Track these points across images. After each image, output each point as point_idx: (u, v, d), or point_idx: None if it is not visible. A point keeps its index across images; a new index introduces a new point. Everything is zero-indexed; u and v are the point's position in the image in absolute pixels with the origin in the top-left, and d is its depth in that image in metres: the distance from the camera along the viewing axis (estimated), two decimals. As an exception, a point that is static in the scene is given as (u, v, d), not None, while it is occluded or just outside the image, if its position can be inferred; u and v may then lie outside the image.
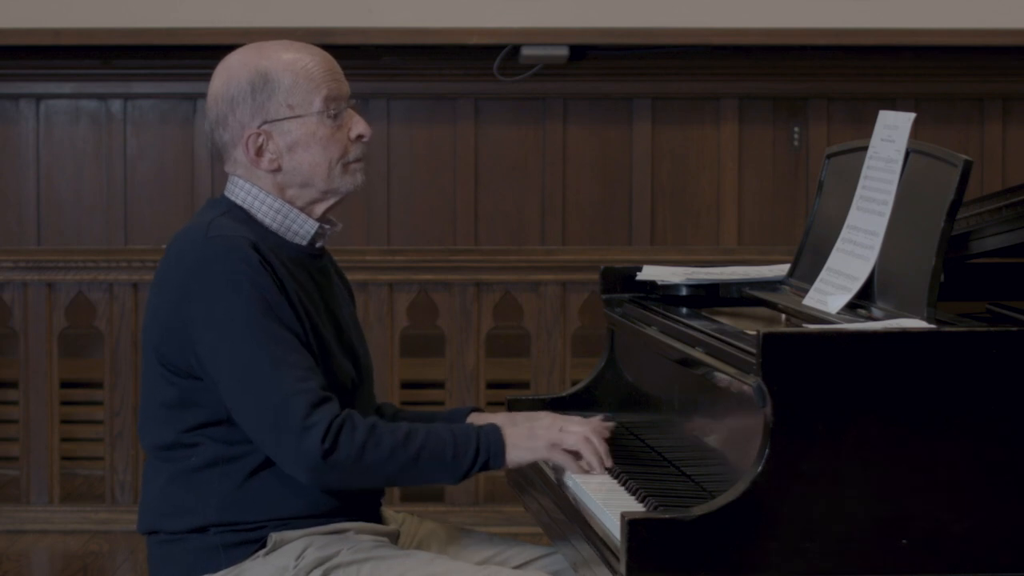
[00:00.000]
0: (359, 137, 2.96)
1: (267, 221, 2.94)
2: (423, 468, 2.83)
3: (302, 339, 2.84)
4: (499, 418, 3.05)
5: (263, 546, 2.87)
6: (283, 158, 2.93)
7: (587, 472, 2.88)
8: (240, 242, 2.84)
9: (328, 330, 2.93)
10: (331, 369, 2.88)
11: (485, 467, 2.86)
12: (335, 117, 2.93)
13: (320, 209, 2.98)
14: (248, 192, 2.95)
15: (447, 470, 2.84)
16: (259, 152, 2.92)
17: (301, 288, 2.89)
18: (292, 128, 2.92)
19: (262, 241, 2.88)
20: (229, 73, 2.93)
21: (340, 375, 2.91)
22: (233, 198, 2.96)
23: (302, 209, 2.96)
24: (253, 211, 2.94)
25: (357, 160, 2.97)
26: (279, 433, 2.77)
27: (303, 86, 2.91)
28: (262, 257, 2.84)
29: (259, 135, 2.91)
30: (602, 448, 2.90)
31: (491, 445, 2.86)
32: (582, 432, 2.90)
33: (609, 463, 2.89)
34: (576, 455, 2.90)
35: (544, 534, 3.11)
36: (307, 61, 2.93)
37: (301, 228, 2.96)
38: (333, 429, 2.76)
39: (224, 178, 3.02)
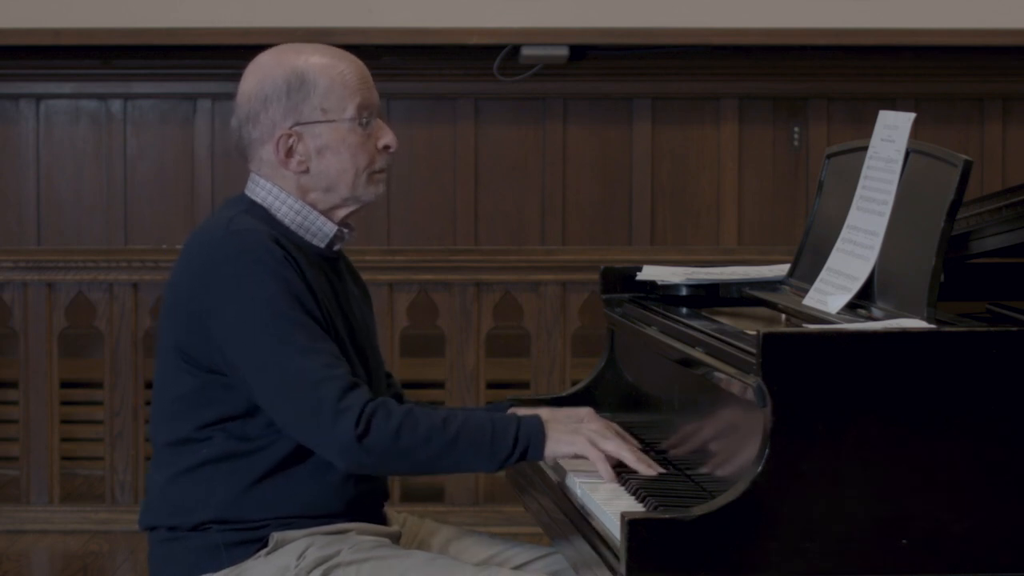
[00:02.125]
0: (386, 148, 2.98)
1: (286, 221, 2.95)
2: (460, 453, 2.80)
3: (326, 328, 2.84)
4: (542, 413, 3.05)
5: (264, 545, 2.87)
6: (311, 161, 2.94)
7: (615, 477, 2.84)
8: (262, 236, 2.85)
9: (343, 333, 2.93)
10: None
11: (523, 456, 2.83)
12: (366, 125, 2.95)
13: (340, 214, 2.99)
14: (269, 192, 2.95)
15: (485, 456, 2.81)
16: (288, 153, 2.93)
17: (319, 288, 2.90)
18: (323, 132, 2.93)
19: (282, 238, 2.88)
20: (264, 72, 2.94)
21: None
22: (253, 196, 2.97)
23: (322, 212, 2.97)
24: (273, 210, 2.95)
25: (382, 171, 2.99)
26: (312, 419, 2.76)
27: (338, 91, 2.92)
28: (285, 251, 2.84)
29: (290, 135, 2.92)
30: (644, 457, 2.86)
31: (532, 435, 2.82)
32: (623, 442, 2.87)
33: (659, 470, 2.85)
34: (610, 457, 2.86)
35: (544, 534, 3.11)
36: (343, 67, 2.94)
37: (320, 230, 2.96)
38: (367, 412, 2.76)
39: (230, 178, 3.02)
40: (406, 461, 2.81)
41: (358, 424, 2.75)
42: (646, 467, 2.83)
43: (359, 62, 2.99)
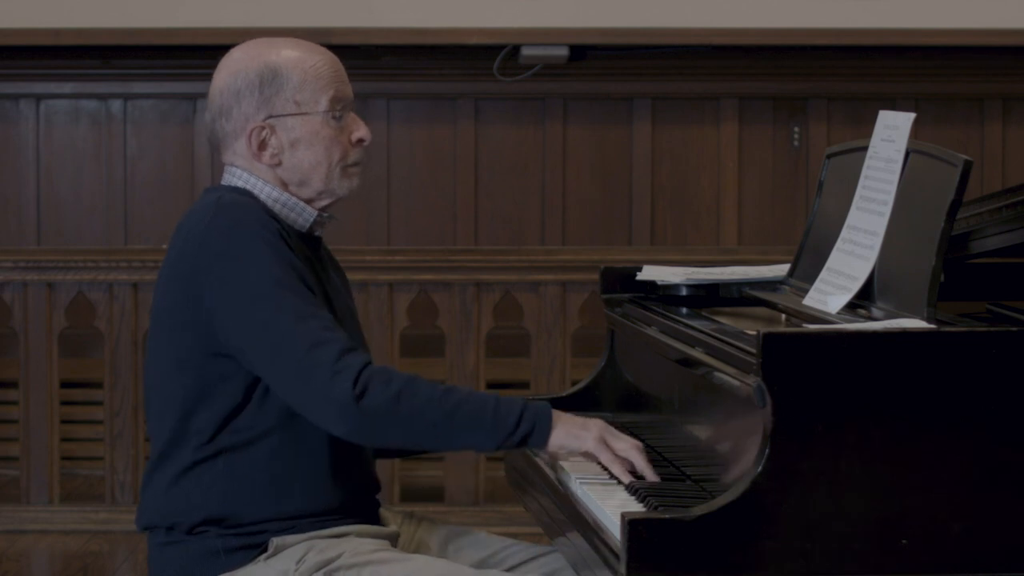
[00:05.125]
0: (360, 141, 2.97)
1: (268, 203, 2.94)
2: (461, 425, 2.75)
3: (319, 298, 2.84)
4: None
5: (264, 550, 2.87)
6: (284, 154, 2.93)
7: (630, 476, 2.81)
8: (255, 208, 2.86)
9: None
10: None
11: (525, 441, 2.78)
12: (339, 119, 2.94)
13: (317, 206, 2.99)
14: (247, 181, 2.95)
15: (485, 432, 2.76)
16: (261, 146, 2.93)
17: (305, 267, 2.90)
18: (296, 125, 2.92)
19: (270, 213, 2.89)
20: (236, 66, 2.93)
21: None
22: (233, 185, 2.96)
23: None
24: (255, 194, 2.94)
25: (356, 164, 2.98)
26: (309, 380, 2.73)
27: (311, 84, 2.92)
28: (278, 224, 2.85)
29: (263, 128, 2.92)
30: (649, 464, 2.84)
31: (538, 419, 2.78)
32: (633, 443, 2.85)
33: (656, 478, 2.82)
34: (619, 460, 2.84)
35: (544, 534, 3.11)
36: (316, 60, 2.94)
37: (300, 215, 2.96)
38: (366, 374, 2.72)
39: (222, 171, 3.02)
40: (404, 428, 2.76)
41: (356, 384, 2.71)
42: (652, 473, 2.82)
43: (332, 56, 2.98)
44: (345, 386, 2.71)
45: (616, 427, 3.04)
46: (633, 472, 2.83)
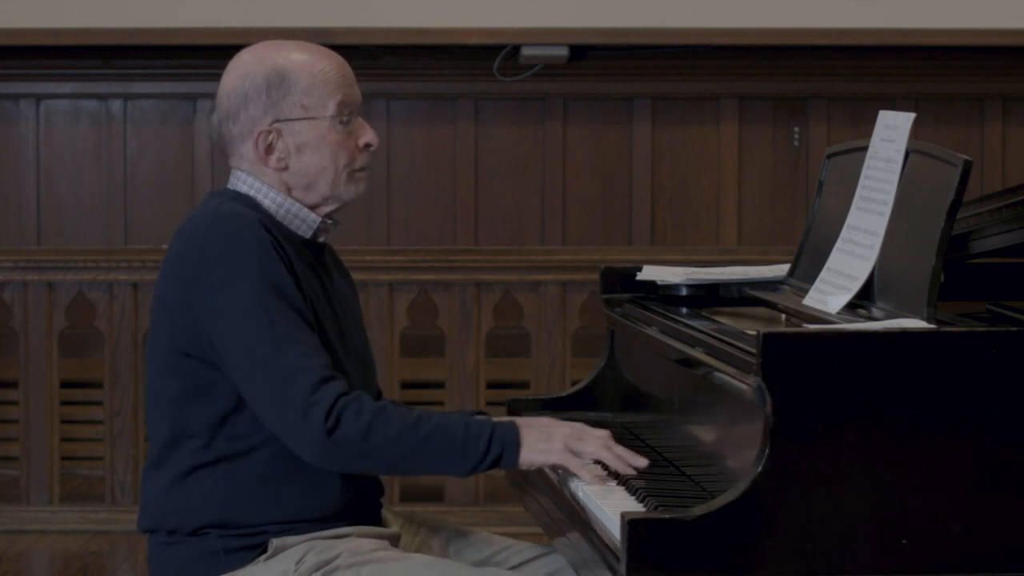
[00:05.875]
0: (367, 146, 2.97)
1: (271, 210, 2.94)
2: (431, 455, 2.78)
3: (308, 320, 2.83)
4: (518, 419, 3.03)
5: (264, 551, 2.87)
6: (291, 158, 2.93)
7: (599, 480, 2.83)
8: (251, 222, 2.84)
9: (329, 323, 2.92)
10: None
11: (496, 464, 2.80)
12: (346, 123, 2.93)
13: (323, 211, 2.98)
14: (251, 186, 2.95)
15: (456, 460, 2.79)
16: (268, 150, 2.92)
17: (304, 277, 2.89)
18: (303, 129, 2.92)
19: (270, 224, 2.88)
20: (245, 68, 2.93)
21: (339, 368, 2.90)
22: (237, 189, 2.96)
23: (305, 207, 2.96)
24: (258, 200, 2.94)
25: (362, 169, 2.97)
26: (284, 410, 2.75)
27: (319, 89, 2.91)
28: (273, 238, 2.84)
29: (270, 132, 2.91)
30: (625, 452, 2.83)
31: (506, 441, 2.80)
32: (601, 440, 2.84)
33: (642, 463, 2.82)
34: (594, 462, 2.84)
35: (544, 534, 3.11)
36: (324, 64, 2.93)
37: (304, 221, 2.96)
38: (338, 407, 2.74)
39: (226, 174, 3.02)
40: (376, 459, 2.79)
41: (328, 418, 2.73)
42: (625, 466, 2.82)
43: (341, 59, 2.97)
44: (317, 419, 2.74)
45: (605, 426, 3.04)
46: (619, 473, 2.83)
